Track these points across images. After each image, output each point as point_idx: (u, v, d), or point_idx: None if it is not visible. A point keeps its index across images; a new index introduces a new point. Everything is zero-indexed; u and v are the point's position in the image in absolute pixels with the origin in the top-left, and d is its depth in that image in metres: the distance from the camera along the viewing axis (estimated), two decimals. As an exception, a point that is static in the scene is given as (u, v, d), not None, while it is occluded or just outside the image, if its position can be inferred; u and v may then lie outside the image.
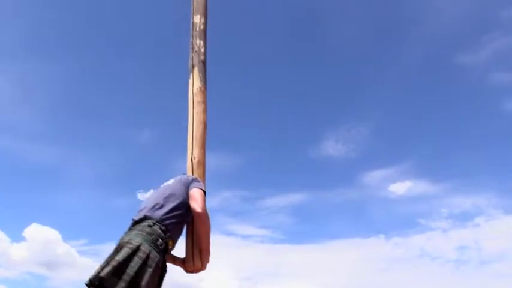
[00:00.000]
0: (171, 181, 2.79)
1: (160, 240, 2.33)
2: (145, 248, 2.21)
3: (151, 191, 2.86)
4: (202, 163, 3.05)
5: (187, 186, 2.68)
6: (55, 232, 18.64)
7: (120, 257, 2.13)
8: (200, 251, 2.68)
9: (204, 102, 3.30)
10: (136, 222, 2.45)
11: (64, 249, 18.86)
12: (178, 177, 2.80)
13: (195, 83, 3.35)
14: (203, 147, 3.11)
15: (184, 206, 2.58)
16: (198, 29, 3.65)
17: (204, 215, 2.57)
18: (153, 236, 2.30)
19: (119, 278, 2.07)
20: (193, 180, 2.77)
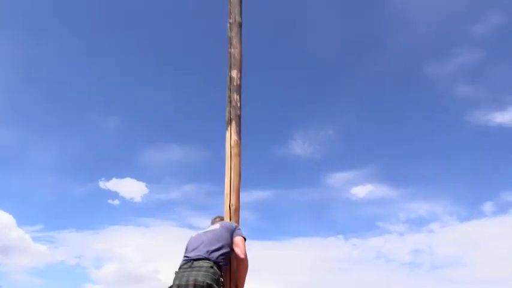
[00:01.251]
0: (217, 225, 3.41)
1: (220, 278, 3.01)
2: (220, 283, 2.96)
3: (198, 232, 3.42)
4: (237, 210, 3.66)
5: (232, 232, 3.30)
6: (9, 216, 18.45)
7: None
8: (236, 287, 3.32)
9: (240, 154, 3.88)
10: (194, 260, 3.08)
11: (18, 234, 18.66)
12: (223, 224, 3.42)
13: (232, 136, 3.91)
14: (239, 197, 3.72)
15: (229, 251, 3.23)
16: (234, 83, 4.18)
17: (246, 260, 3.24)
18: (217, 276, 2.98)
19: None
20: (236, 228, 3.39)
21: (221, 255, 3.13)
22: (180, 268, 3.17)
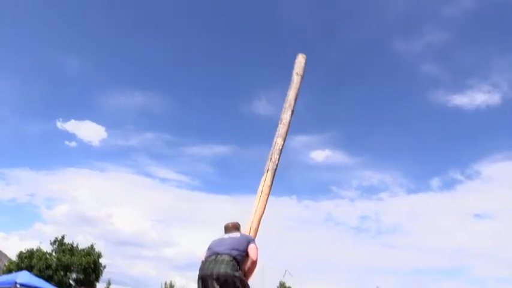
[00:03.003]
0: (238, 234, 4.37)
1: (239, 270, 3.96)
2: (239, 273, 3.91)
3: (223, 236, 4.42)
4: (255, 231, 4.81)
5: (248, 242, 4.28)
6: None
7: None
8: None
9: (268, 195, 5.16)
10: (219, 254, 4.04)
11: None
12: (244, 235, 4.45)
13: (266, 181, 5.25)
14: (259, 223, 4.90)
15: (244, 256, 4.18)
16: (278, 148, 5.64)
17: (256, 262, 4.18)
18: (236, 267, 3.92)
19: None
20: (252, 239, 4.41)
21: (239, 255, 4.05)
22: (206, 260, 4.06)
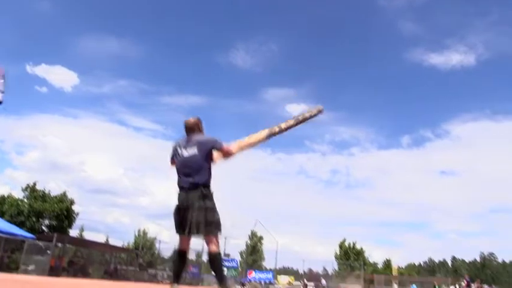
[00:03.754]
0: (195, 150, 3.71)
1: (211, 192, 3.64)
2: (211, 203, 3.58)
3: (183, 153, 3.78)
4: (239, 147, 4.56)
5: (212, 148, 3.72)
6: None
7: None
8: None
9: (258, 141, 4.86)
10: (189, 189, 3.60)
11: None
12: (202, 145, 3.73)
13: (263, 133, 4.93)
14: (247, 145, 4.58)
15: (210, 159, 3.73)
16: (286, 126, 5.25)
17: (231, 152, 3.82)
18: (210, 194, 3.62)
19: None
20: (216, 141, 3.77)
21: (204, 176, 3.62)
22: (179, 192, 3.65)
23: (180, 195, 3.64)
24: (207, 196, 3.58)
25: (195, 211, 3.47)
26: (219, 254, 3.57)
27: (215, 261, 3.55)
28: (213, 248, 3.47)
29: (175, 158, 3.84)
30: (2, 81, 3.01)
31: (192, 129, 3.89)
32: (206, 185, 3.63)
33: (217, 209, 3.62)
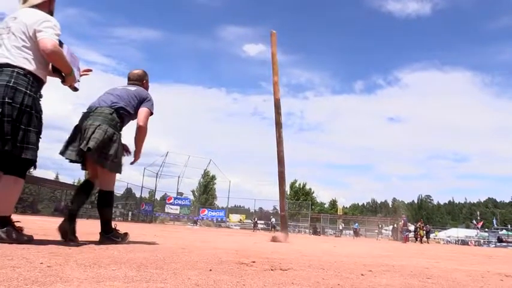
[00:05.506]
0: (133, 88, 3.62)
1: (118, 124, 3.36)
2: (112, 130, 3.27)
3: (116, 87, 3.65)
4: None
5: (142, 101, 3.54)
6: None
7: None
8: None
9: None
10: (98, 107, 3.35)
11: None
12: (139, 91, 3.61)
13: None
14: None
15: (133, 114, 3.50)
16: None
17: (143, 128, 3.50)
18: (114, 122, 3.31)
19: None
20: (147, 99, 3.59)
21: (123, 109, 3.40)
22: (85, 112, 3.40)
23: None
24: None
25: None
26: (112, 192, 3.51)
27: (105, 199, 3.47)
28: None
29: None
30: (78, 72, 3.27)
31: (134, 81, 3.79)
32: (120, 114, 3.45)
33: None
